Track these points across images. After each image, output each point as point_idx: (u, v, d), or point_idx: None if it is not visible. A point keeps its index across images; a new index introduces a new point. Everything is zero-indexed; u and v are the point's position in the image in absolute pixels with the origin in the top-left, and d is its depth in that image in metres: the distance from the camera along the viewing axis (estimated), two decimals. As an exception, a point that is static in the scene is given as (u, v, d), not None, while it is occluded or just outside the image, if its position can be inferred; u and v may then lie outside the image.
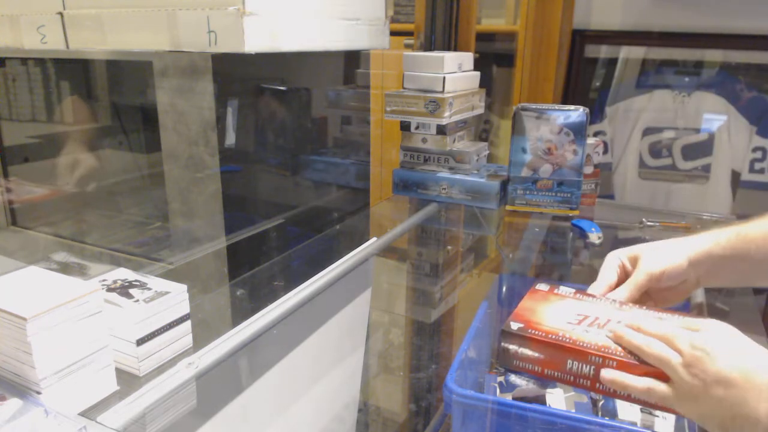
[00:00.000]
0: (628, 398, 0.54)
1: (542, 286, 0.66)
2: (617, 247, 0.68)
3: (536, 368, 0.57)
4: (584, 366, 0.54)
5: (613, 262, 0.67)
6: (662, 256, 0.64)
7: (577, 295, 0.64)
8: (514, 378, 0.77)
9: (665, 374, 0.52)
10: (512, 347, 0.57)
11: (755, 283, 0.68)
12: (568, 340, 0.55)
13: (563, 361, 0.55)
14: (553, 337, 0.56)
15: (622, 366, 0.53)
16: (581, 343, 0.55)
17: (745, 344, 0.51)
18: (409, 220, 1.22)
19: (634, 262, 0.66)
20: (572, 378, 0.55)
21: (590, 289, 0.66)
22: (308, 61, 1.22)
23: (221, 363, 0.67)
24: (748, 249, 0.62)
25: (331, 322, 0.88)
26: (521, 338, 0.56)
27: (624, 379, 0.53)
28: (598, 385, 0.54)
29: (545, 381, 0.74)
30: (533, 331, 0.56)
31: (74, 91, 1.26)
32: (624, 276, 0.66)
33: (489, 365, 0.82)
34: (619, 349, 0.54)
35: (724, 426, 0.49)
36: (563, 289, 0.66)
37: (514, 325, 0.57)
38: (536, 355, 0.56)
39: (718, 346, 0.51)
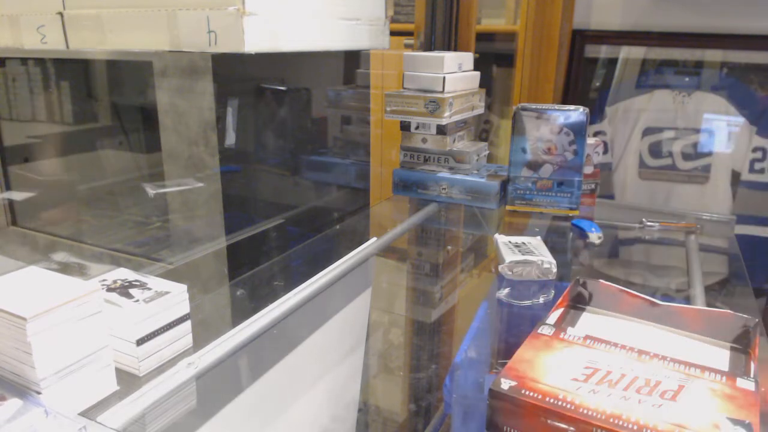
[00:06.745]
0: None
1: (546, 329, 0.56)
2: (617, 248, 0.68)
3: None
4: None
5: None
6: None
7: (587, 340, 0.55)
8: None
9: None
10: (502, 409, 0.48)
11: None
12: (569, 406, 0.45)
13: (563, 431, 0.46)
14: (551, 401, 0.46)
15: None
16: (586, 411, 0.45)
17: None
18: (409, 220, 1.22)
19: None
20: None
21: None
22: (308, 61, 1.22)
23: (221, 363, 0.67)
24: None
25: (331, 322, 0.88)
26: (512, 400, 0.47)
27: None
28: None
29: None
30: (527, 392, 0.47)
31: (74, 91, 1.26)
32: None
33: (489, 365, 0.82)
34: (632, 417, 0.44)
35: None
36: (571, 332, 0.56)
37: (505, 384, 0.48)
38: (531, 421, 0.47)
39: None
